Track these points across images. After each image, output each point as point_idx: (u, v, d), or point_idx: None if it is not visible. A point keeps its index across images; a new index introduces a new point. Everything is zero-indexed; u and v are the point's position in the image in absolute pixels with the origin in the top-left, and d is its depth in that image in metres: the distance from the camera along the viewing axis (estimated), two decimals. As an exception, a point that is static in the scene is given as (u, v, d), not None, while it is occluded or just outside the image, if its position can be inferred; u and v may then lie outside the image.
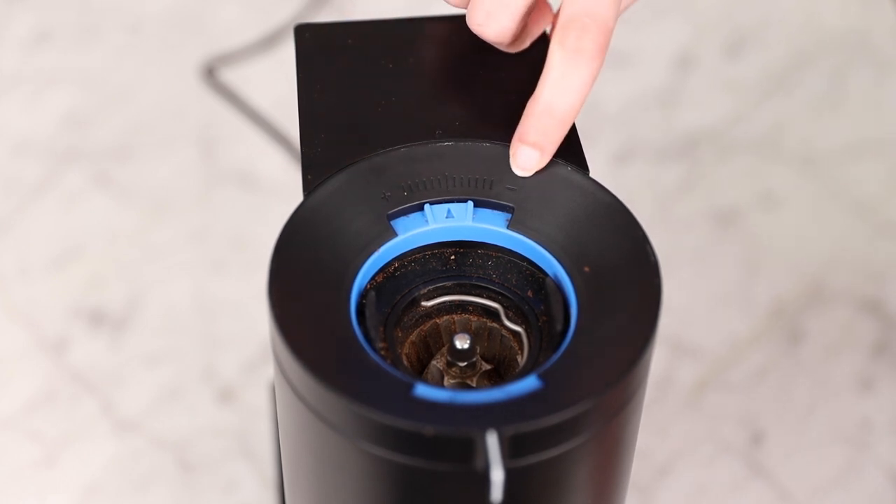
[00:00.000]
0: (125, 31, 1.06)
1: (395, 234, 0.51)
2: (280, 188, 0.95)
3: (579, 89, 0.51)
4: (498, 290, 0.52)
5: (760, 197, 0.95)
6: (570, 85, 0.51)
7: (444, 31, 0.61)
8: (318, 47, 0.59)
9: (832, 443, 0.81)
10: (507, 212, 0.52)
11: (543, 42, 0.60)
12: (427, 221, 0.52)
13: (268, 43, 1.05)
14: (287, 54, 1.02)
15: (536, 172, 0.53)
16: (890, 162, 0.97)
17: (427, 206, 0.52)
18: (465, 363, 0.51)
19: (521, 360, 0.51)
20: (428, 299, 0.52)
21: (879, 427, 0.82)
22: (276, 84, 1.00)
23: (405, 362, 0.51)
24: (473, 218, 0.52)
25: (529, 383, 0.47)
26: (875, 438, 0.82)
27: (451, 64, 0.59)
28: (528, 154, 0.52)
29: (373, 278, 0.52)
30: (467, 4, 0.55)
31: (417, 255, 0.53)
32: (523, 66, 0.59)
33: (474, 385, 0.52)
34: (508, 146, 0.54)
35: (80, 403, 0.83)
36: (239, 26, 1.06)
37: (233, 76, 1.02)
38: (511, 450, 0.45)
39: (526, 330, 0.51)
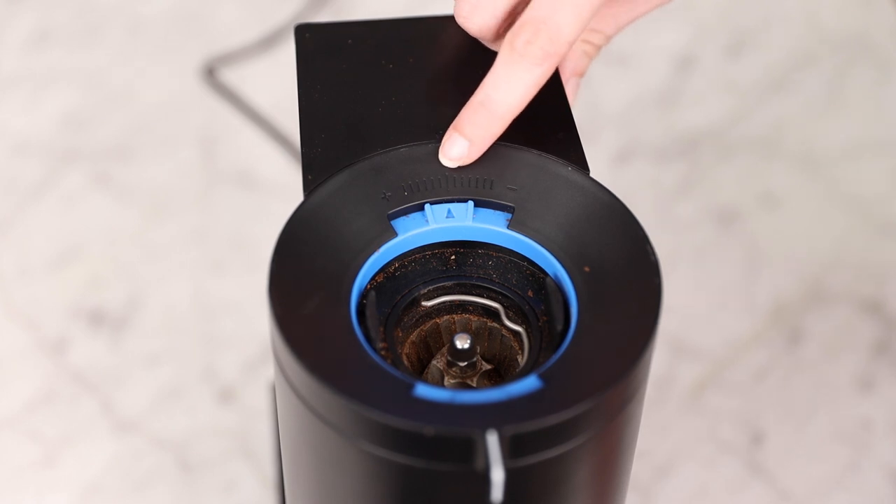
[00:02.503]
0: (125, 31, 1.06)
1: (395, 234, 0.51)
2: (280, 188, 0.95)
3: (518, 90, 0.51)
4: (498, 289, 0.52)
5: (760, 197, 0.95)
6: (509, 84, 0.51)
7: (444, 31, 0.61)
8: (318, 47, 0.59)
9: (832, 443, 0.81)
10: (508, 212, 0.52)
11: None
12: (427, 221, 0.52)
13: (268, 43, 1.05)
14: (287, 54, 1.02)
15: (536, 172, 0.53)
16: (890, 162, 0.97)
17: (427, 206, 0.52)
18: (466, 363, 0.51)
19: (522, 360, 0.51)
20: (428, 299, 0.52)
21: (879, 427, 0.82)
22: (276, 84, 1.00)
23: (405, 362, 0.51)
24: (474, 218, 0.52)
25: (530, 383, 0.47)
26: (875, 438, 0.82)
27: (451, 64, 0.59)
28: (457, 143, 0.53)
29: (373, 278, 0.52)
30: None
31: (417, 255, 0.53)
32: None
33: (474, 385, 0.52)
34: (509, 146, 0.54)
35: (80, 403, 0.83)
36: (239, 26, 1.06)
37: (233, 76, 1.02)
38: (511, 450, 0.45)
39: (526, 330, 0.51)
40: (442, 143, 0.53)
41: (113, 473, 0.80)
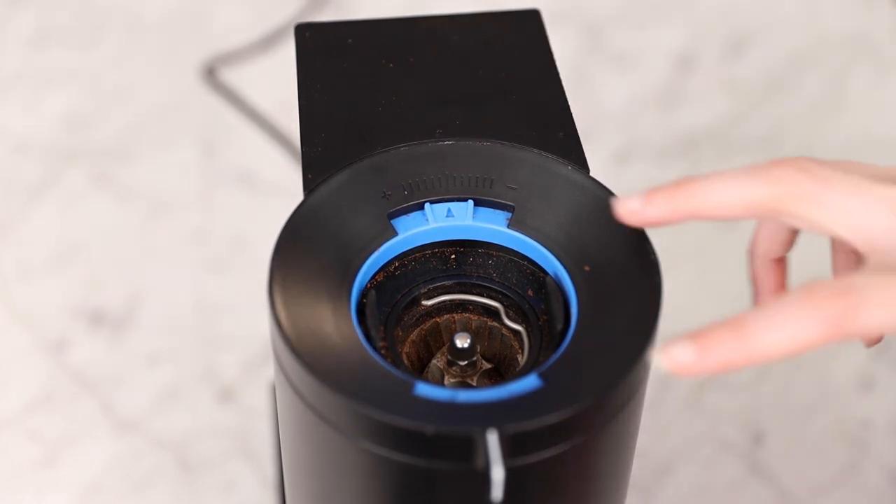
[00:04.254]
0: (125, 31, 1.06)
1: (395, 234, 0.51)
2: (280, 188, 0.95)
3: (788, 340, 0.44)
4: (498, 289, 0.52)
5: (760, 197, 0.94)
6: (783, 329, 0.44)
7: (444, 29, 0.61)
8: (319, 47, 0.59)
9: (832, 443, 0.81)
10: (508, 211, 0.52)
11: (538, 39, 0.60)
12: (427, 220, 0.52)
13: (268, 43, 1.05)
14: (287, 54, 1.02)
15: (536, 172, 0.53)
16: (890, 162, 0.97)
17: (427, 206, 0.52)
18: (466, 362, 0.51)
19: (522, 359, 0.51)
20: (428, 298, 0.52)
21: (879, 427, 0.82)
22: (276, 84, 1.00)
23: (405, 361, 0.51)
24: (474, 217, 0.52)
25: (530, 382, 0.47)
26: (875, 438, 0.82)
27: (451, 64, 0.59)
28: (685, 349, 0.44)
29: (373, 277, 0.52)
30: None
31: (418, 255, 0.53)
32: (523, 66, 0.59)
33: (475, 384, 0.52)
34: (508, 145, 0.54)
35: (80, 403, 0.83)
36: (239, 26, 1.06)
37: (233, 76, 1.02)
38: (511, 449, 0.45)
39: (526, 329, 0.51)
40: (667, 344, 0.45)
41: (113, 473, 0.79)
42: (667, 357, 0.44)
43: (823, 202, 0.45)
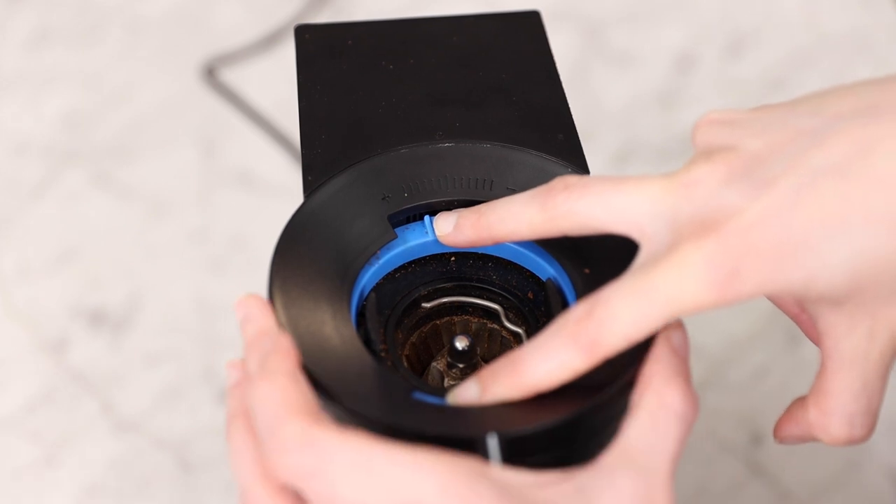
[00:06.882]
0: (125, 31, 1.06)
1: (394, 236, 0.51)
2: (280, 188, 0.95)
3: (551, 367, 0.45)
4: (498, 291, 0.52)
5: (760, 197, 0.94)
6: (546, 357, 0.46)
7: (444, 31, 0.61)
8: (319, 48, 0.59)
9: (832, 443, 0.81)
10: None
11: (539, 41, 0.60)
12: (427, 233, 0.52)
13: (268, 43, 1.05)
14: (287, 54, 1.02)
15: (536, 173, 0.53)
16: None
17: (427, 218, 0.52)
18: (465, 364, 0.51)
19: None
20: (428, 300, 0.52)
21: (879, 427, 0.82)
22: (276, 84, 1.00)
23: (405, 364, 0.51)
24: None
25: (530, 385, 0.47)
26: (875, 438, 0.82)
27: (451, 65, 0.59)
28: (470, 388, 0.47)
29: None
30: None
31: (417, 258, 0.53)
32: (524, 68, 0.59)
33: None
34: (508, 147, 0.54)
35: (80, 403, 0.83)
36: (239, 26, 1.06)
37: (233, 76, 1.02)
38: (511, 453, 0.45)
39: (526, 331, 0.51)
40: (457, 386, 0.47)
41: (113, 473, 0.80)
42: (453, 397, 0.46)
43: (588, 211, 0.47)
